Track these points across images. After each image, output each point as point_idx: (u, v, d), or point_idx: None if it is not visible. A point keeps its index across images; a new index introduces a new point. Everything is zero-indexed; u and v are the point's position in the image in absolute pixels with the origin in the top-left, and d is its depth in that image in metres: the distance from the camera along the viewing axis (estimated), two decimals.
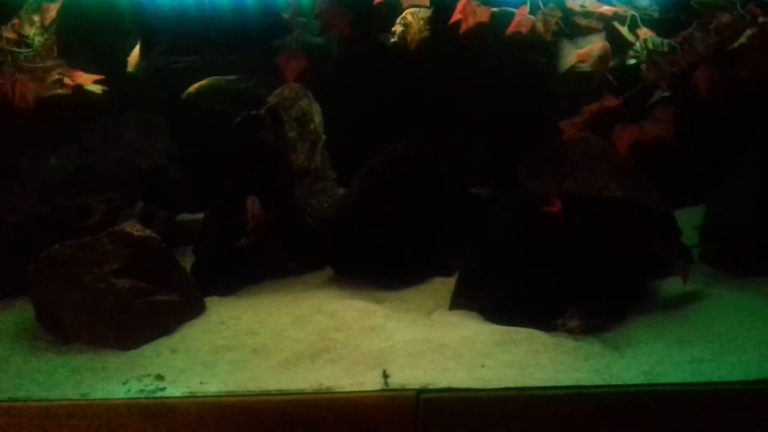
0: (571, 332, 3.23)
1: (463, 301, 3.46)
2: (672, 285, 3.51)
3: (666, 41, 3.34)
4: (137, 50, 3.70)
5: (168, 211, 3.92)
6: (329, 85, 3.98)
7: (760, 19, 3.27)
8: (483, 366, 2.99)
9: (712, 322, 3.31)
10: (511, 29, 3.48)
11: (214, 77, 3.73)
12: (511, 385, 2.88)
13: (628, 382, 2.89)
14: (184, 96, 3.69)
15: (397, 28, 3.63)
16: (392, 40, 3.63)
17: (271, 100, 3.68)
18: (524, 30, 3.46)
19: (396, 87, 4.06)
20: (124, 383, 2.96)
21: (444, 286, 3.64)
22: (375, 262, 3.70)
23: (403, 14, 3.61)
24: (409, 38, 3.60)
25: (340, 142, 3.98)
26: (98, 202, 3.68)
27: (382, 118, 4.05)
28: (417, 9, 3.62)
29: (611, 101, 3.37)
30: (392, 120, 4.00)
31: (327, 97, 3.92)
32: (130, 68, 3.66)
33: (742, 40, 3.31)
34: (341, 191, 3.97)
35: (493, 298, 3.38)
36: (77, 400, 2.88)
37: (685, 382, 2.89)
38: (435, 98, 4.04)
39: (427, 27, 3.61)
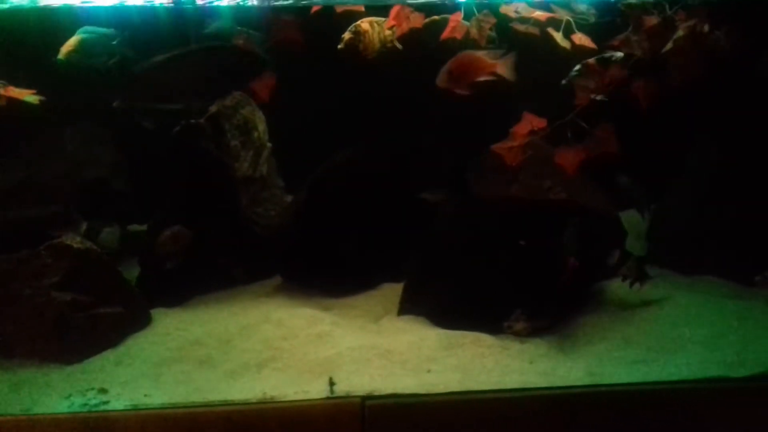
0: (517, 335, 3.25)
1: (410, 306, 3.47)
2: (618, 286, 3.55)
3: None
4: (72, 40, 3.63)
5: (114, 223, 3.88)
6: (282, 94, 3.96)
7: (687, 24, 3.32)
8: (429, 371, 3.00)
9: (658, 321, 3.35)
10: (445, 35, 3.50)
11: None
12: (456, 389, 2.89)
13: (573, 383, 2.92)
14: (114, 105, 3.64)
15: (346, 35, 3.62)
16: (339, 46, 3.61)
17: (212, 108, 3.66)
18: (458, 35, 3.49)
19: (350, 93, 4.04)
20: (67, 397, 2.91)
21: (394, 291, 3.65)
22: (324, 269, 3.70)
23: (358, 22, 3.61)
24: (361, 46, 3.59)
25: (292, 150, 3.97)
26: (40, 214, 3.63)
27: (337, 124, 4.04)
28: (381, 19, 3.62)
29: (536, 122, 3.40)
30: (348, 126, 3.98)
31: (279, 106, 3.91)
32: (61, 56, 3.58)
33: (670, 44, 3.36)
34: (289, 199, 3.96)
35: (440, 302, 3.39)
36: (19, 415, 2.83)
37: (630, 383, 2.92)
38: (391, 105, 4.03)
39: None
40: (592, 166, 3.53)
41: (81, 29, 3.57)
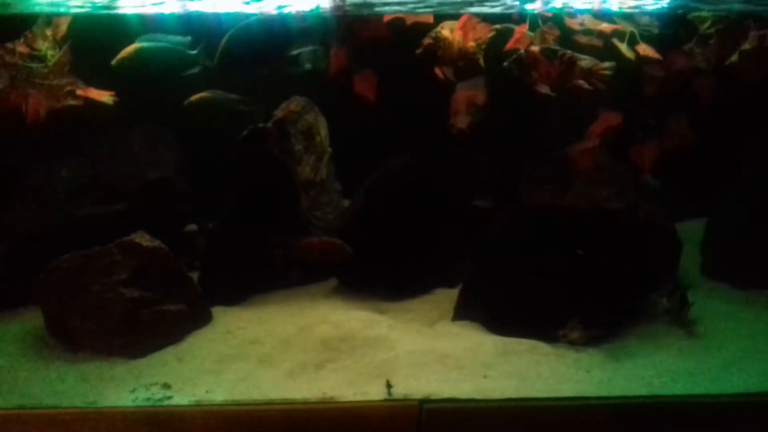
0: (573, 344, 3.26)
1: (465, 312, 3.50)
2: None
3: None
4: (129, 48, 3.72)
5: (176, 222, 3.97)
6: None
7: (758, 33, 3.32)
8: (485, 377, 3.04)
9: (713, 334, 3.36)
10: (509, 45, 3.52)
11: (217, 92, 3.75)
12: (513, 395, 2.92)
13: (629, 393, 2.94)
14: (185, 104, 3.71)
15: (426, 40, 3.63)
16: (417, 51, 3.62)
17: (278, 113, 3.72)
18: (522, 47, 3.51)
19: (408, 100, 4.08)
20: (132, 391, 3.00)
21: (447, 296, 3.69)
22: (379, 273, 3.74)
23: (439, 27, 3.60)
24: (440, 53, 3.61)
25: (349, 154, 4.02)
26: (106, 212, 3.72)
27: (388, 130, 4.08)
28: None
29: (612, 118, 3.40)
30: (397, 132, 4.02)
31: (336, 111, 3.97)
32: (114, 62, 3.67)
33: (736, 57, 3.36)
34: (346, 203, 4.02)
35: (495, 309, 3.42)
36: (85, 407, 2.92)
37: (687, 394, 2.94)
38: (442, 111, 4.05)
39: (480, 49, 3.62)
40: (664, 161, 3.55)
41: (142, 37, 3.65)
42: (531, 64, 3.36)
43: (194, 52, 3.61)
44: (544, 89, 3.38)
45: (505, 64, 3.43)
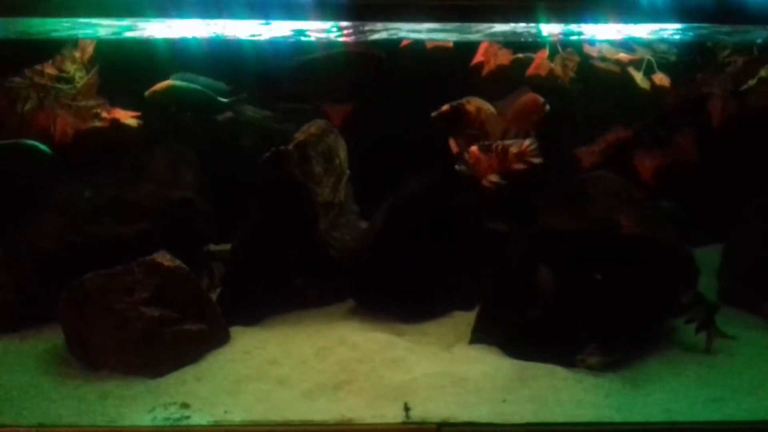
0: (591, 368, 3.26)
1: (483, 335, 3.51)
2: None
3: None
4: (163, 84, 3.79)
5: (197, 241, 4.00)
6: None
7: None
8: (504, 401, 3.03)
9: (732, 360, 3.35)
10: (530, 71, 3.57)
11: (250, 108, 3.81)
12: (532, 420, 2.91)
13: (648, 419, 2.93)
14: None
15: (445, 108, 3.59)
16: (433, 114, 3.62)
17: (299, 136, 3.78)
18: (543, 72, 3.55)
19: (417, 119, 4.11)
20: (151, 411, 3.00)
21: (464, 319, 3.70)
22: (396, 295, 3.75)
23: (464, 100, 3.60)
24: (459, 124, 3.61)
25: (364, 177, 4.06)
26: (128, 231, 3.76)
27: (403, 152, 4.11)
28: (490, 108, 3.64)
29: (624, 132, 3.45)
30: (412, 155, 4.05)
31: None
32: (147, 93, 3.75)
33: (753, 81, 3.40)
34: (364, 225, 4.04)
35: (512, 333, 3.42)
36: (104, 426, 2.92)
37: (705, 421, 2.92)
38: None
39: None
40: (667, 175, 3.57)
41: (176, 75, 3.72)
42: (476, 162, 3.50)
43: (226, 100, 3.69)
44: (494, 179, 3.46)
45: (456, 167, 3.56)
